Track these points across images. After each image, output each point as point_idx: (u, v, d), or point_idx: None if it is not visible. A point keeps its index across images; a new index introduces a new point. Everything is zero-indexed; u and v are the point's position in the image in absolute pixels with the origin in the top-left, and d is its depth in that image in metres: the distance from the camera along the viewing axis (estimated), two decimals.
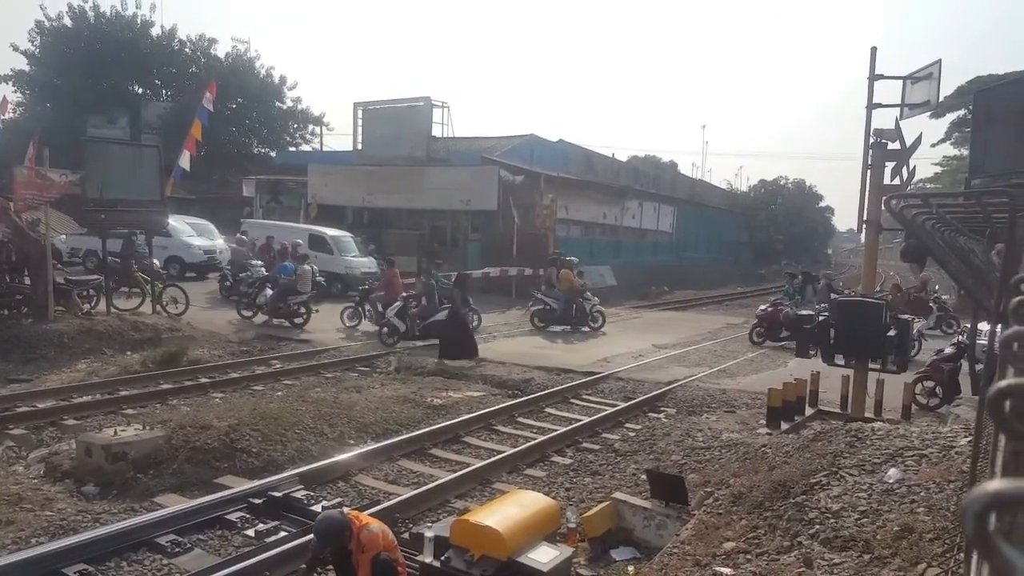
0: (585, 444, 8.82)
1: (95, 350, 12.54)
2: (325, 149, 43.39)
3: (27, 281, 13.58)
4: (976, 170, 6.06)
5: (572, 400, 11.06)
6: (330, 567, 4.74)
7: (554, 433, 8.97)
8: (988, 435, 3.11)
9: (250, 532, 5.93)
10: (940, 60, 9.06)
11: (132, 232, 17.37)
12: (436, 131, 28.55)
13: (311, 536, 4.33)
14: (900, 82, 9.51)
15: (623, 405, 10.54)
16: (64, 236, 21.03)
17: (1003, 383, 0.83)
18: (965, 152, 39.30)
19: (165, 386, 10.64)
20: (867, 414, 9.08)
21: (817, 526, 4.79)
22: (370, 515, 5.07)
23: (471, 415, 9.59)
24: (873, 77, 9.56)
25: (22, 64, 41.71)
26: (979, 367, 9.01)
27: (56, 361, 11.83)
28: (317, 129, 47.86)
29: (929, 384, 10.51)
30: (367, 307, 16.36)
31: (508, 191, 26.08)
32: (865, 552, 4.38)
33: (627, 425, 9.74)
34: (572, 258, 20.22)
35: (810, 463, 5.83)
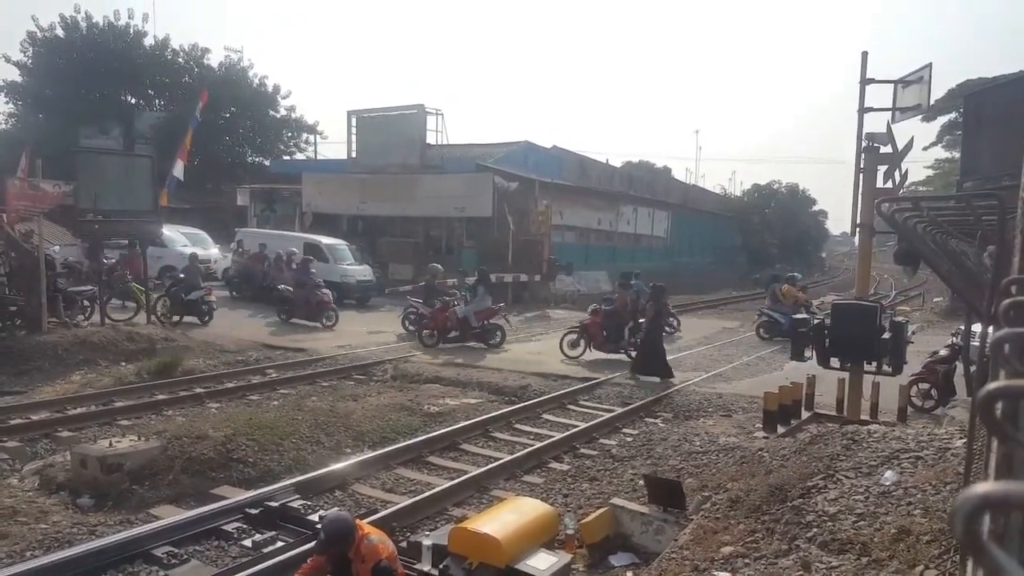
0: (583, 450, 8.82)
1: (89, 361, 12.49)
2: (319, 157, 43.40)
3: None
4: (968, 173, 6.10)
5: (569, 406, 11.06)
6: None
7: (551, 439, 8.96)
8: (982, 437, 3.13)
9: (247, 542, 5.91)
10: (931, 64, 9.13)
11: (131, 242, 17.38)
12: (430, 138, 28.63)
13: (318, 535, 4.28)
14: (892, 86, 9.58)
15: (620, 410, 10.54)
16: (58, 247, 20.99)
17: (993, 385, 0.84)
18: (957, 155, 39.52)
19: (160, 397, 10.61)
20: (863, 417, 9.10)
21: (815, 529, 4.80)
22: (368, 524, 5.06)
23: (468, 422, 9.57)
24: (864, 81, 9.63)
25: (14, 75, 41.69)
26: (973, 368, 9.09)
27: (50, 373, 11.77)
28: (311, 137, 47.90)
29: (924, 386, 10.53)
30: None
31: (503, 198, 26.12)
32: (863, 555, 4.38)
33: (624, 430, 9.74)
34: (795, 274, 19.87)
35: (807, 466, 5.84)
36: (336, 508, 6.27)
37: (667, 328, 17.80)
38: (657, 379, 12.40)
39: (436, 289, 17.15)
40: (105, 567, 5.31)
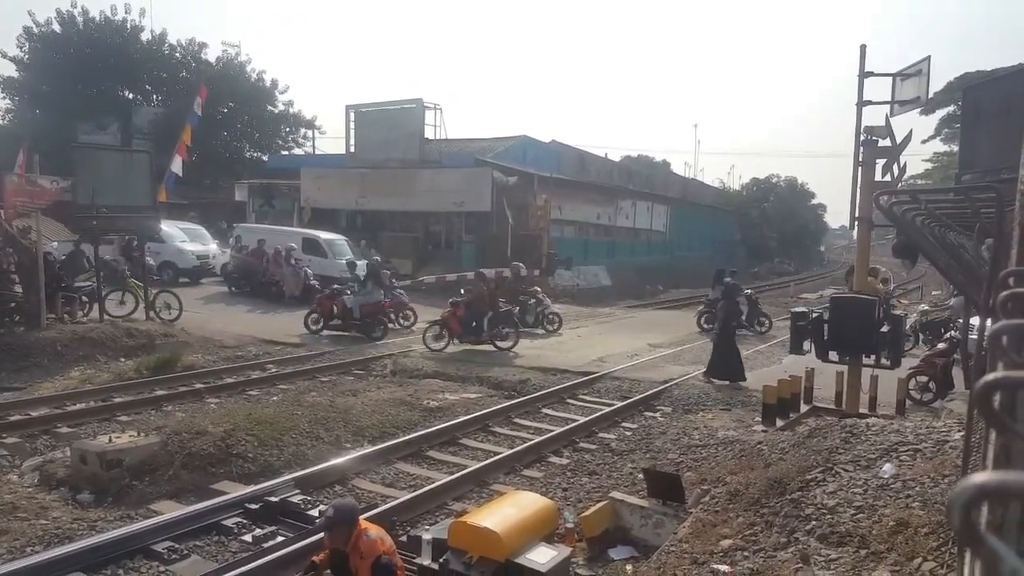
0: (582, 444, 8.84)
1: (88, 357, 12.49)
2: (317, 152, 43.38)
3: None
4: (966, 166, 6.10)
5: (568, 400, 11.07)
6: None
7: (551, 434, 8.97)
8: (980, 429, 3.13)
9: (247, 538, 5.92)
10: (929, 57, 9.12)
11: (128, 237, 17.39)
12: (429, 133, 28.62)
13: (326, 513, 4.30)
14: (890, 79, 9.56)
15: (619, 404, 10.55)
16: (56, 243, 20.97)
17: (990, 377, 0.84)
18: (955, 148, 39.49)
19: (159, 392, 10.61)
20: (862, 410, 9.12)
21: (813, 522, 4.81)
22: (367, 519, 5.07)
23: (468, 417, 9.58)
24: (863, 74, 9.61)
25: (11, 71, 41.55)
26: (971, 361, 9.10)
27: (49, 369, 11.78)
28: (309, 132, 47.82)
29: (923, 379, 10.55)
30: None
31: (502, 192, 26.11)
32: (861, 547, 4.39)
33: (623, 424, 9.76)
34: (878, 267, 19.82)
35: (806, 459, 5.85)
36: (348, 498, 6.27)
37: (757, 327, 17.94)
38: (727, 382, 11.72)
39: (377, 277, 16.83)
40: (105, 562, 5.32)
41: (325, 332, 15.72)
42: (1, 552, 5.44)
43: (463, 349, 14.37)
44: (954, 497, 0.60)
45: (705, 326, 17.78)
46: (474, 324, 14.28)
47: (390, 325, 16.15)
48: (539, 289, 18.63)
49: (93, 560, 5.26)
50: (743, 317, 17.48)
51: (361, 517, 4.58)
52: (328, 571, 4.37)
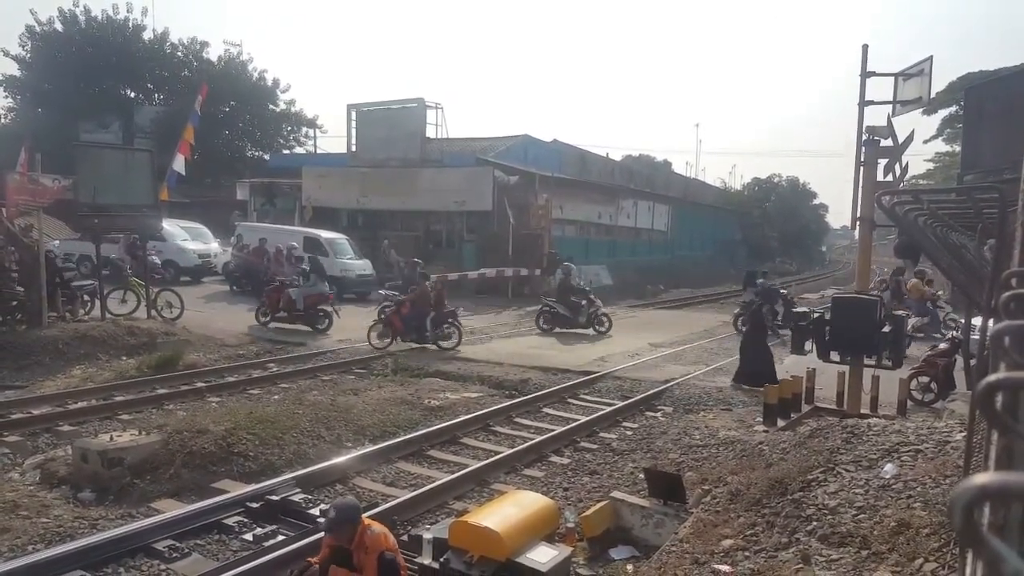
0: (583, 444, 8.83)
1: (90, 356, 12.50)
2: (319, 151, 43.33)
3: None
4: (968, 166, 6.09)
5: (569, 400, 11.07)
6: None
7: (552, 433, 8.97)
8: (982, 430, 3.13)
9: (248, 536, 5.92)
10: (931, 56, 9.10)
11: (132, 236, 17.42)
12: (430, 132, 28.59)
13: (328, 514, 4.30)
14: (892, 79, 9.55)
15: (620, 404, 10.55)
16: (57, 241, 21.00)
17: (993, 377, 0.84)
18: (957, 148, 39.39)
19: (161, 391, 10.61)
20: (863, 410, 9.11)
21: (815, 523, 4.81)
22: (368, 518, 5.07)
23: (469, 416, 9.58)
24: (865, 74, 9.60)
25: (13, 69, 41.59)
26: (973, 362, 9.08)
27: (51, 367, 11.78)
28: (311, 131, 47.82)
29: (924, 379, 10.54)
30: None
31: (503, 192, 26.10)
32: (863, 548, 4.39)
33: (624, 424, 9.76)
34: (925, 268, 19.80)
35: (807, 460, 5.85)
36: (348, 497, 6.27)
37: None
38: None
39: (415, 280, 17.08)
40: (107, 561, 5.33)
41: (272, 324, 15.94)
42: (3, 550, 5.45)
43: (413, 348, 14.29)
44: (956, 498, 0.60)
45: (742, 328, 17.67)
46: (416, 323, 14.40)
47: (337, 318, 16.41)
48: (589, 290, 18.74)
49: (94, 558, 5.27)
50: (779, 319, 17.45)
51: (365, 515, 4.59)
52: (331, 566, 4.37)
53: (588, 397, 11.28)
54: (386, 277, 20.69)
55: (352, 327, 17.05)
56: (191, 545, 5.74)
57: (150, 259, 17.25)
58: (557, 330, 17.62)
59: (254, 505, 6.34)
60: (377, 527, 4.40)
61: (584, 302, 17.82)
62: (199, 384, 11.09)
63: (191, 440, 7.47)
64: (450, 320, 14.61)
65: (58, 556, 5.13)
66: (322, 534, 4.45)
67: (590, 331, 17.57)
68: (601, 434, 9.25)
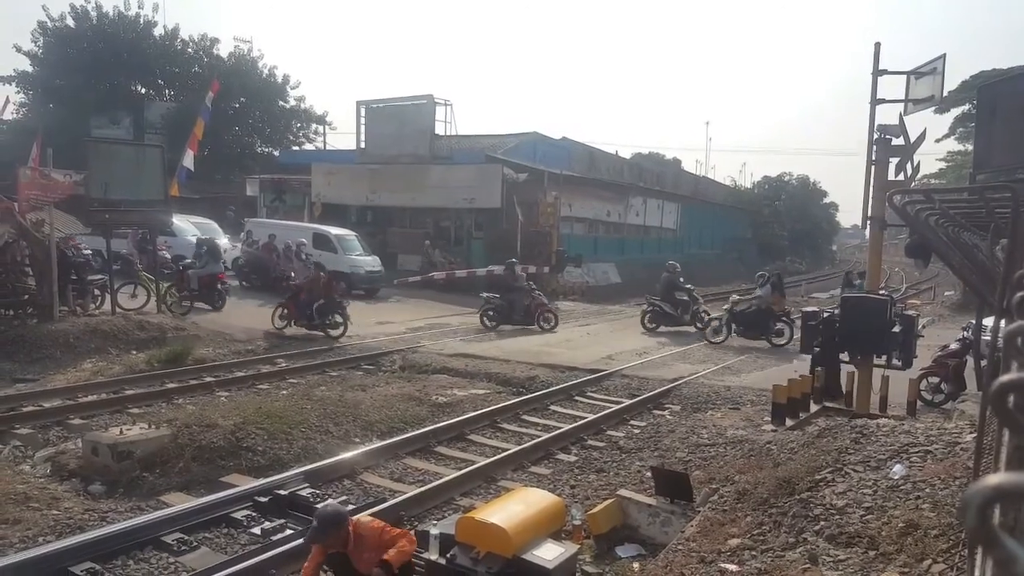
0: (590, 441, 8.83)
1: (100, 350, 12.58)
2: (328, 148, 43.43)
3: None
4: (980, 165, 6.04)
5: (577, 398, 11.07)
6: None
7: (559, 431, 8.97)
8: (992, 431, 3.11)
9: (256, 530, 5.95)
10: (944, 55, 9.04)
11: (142, 231, 17.56)
12: (439, 129, 28.58)
13: (311, 525, 4.28)
14: (904, 77, 9.49)
15: (628, 402, 10.54)
16: (82, 238, 21.11)
17: (1006, 378, 0.83)
18: (969, 147, 39.07)
19: (170, 385, 10.68)
20: (872, 410, 9.07)
21: (822, 522, 4.79)
22: (372, 514, 5.10)
23: (476, 413, 9.60)
24: (877, 72, 9.54)
25: (25, 65, 41.80)
26: (984, 362, 9.02)
27: (62, 361, 11.87)
28: (320, 128, 47.94)
29: (934, 380, 10.49)
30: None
31: (512, 189, 26.08)
32: (870, 548, 4.37)
33: (632, 422, 9.75)
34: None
35: (815, 460, 5.82)
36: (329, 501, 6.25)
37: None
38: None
39: (511, 282, 17.62)
40: (116, 553, 5.37)
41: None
42: (14, 541, 5.49)
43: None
44: (970, 497, 0.60)
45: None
46: (308, 311, 15.05)
47: (229, 297, 17.29)
48: (693, 288, 18.92)
49: (104, 550, 5.31)
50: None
51: (365, 513, 4.60)
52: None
53: (595, 395, 11.27)
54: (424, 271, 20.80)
55: (360, 324, 17.11)
56: (200, 538, 5.78)
57: (160, 254, 17.34)
58: (662, 328, 17.84)
59: (262, 499, 6.37)
60: (367, 522, 4.37)
61: (688, 299, 17.97)
62: (208, 379, 11.15)
63: (200, 434, 7.52)
64: (337, 311, 15.10)
65: (68, 548, 5.18)
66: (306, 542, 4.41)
67: (692, 328, 17.78)
68: (608, 432, 9.25)
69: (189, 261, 17.51)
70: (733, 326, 16.06)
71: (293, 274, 18.81)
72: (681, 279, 18.53)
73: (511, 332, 17.20)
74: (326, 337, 14.90)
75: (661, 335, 17.34)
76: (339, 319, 15.08)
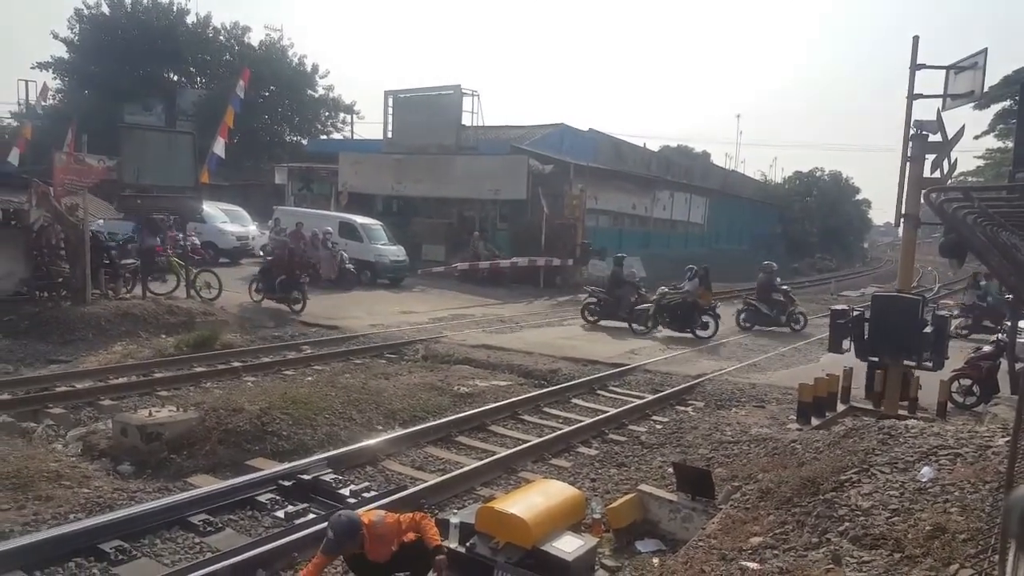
0: (611, 435, 8.80)
1: (131, 333, 12.80)
2: (356, 137, 43.69)
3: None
4: (1021, 163, 5.90)
5: (599, 391, 11.04)
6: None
7: (580, 424, 8.96)
8: None
9: (280, 514, 6.03)
10: (986, 49, 8.81)
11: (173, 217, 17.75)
12: (466, 119, 28.56)
13: (326, 535, 4.20)
14: (943, 72, 9.27)
15: (650, 397, 10.48)
16: (101, 221, 21.48)
17: None
18: (1010, 144, 38.18)
19: (198, 369, 10.83)
20: (900, 411, 8.93)
21: (847, 523, 4.73)
22: (392, 502, 5.10)
23: (498, 404, 9.61)
24: (915, 67, 9.34)
25: (62, 52, 42.52)
26: (1019, 365, 8.82)
27: (93, 343, 12.10)
28: (348, 117, 48.24)
29: (966, 382, 10.30)
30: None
31: (537, 180, 26.01)
32: (896, 551, 4.31)
33: (654, 418, 9.70)
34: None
35: (841, 460, 5.75)
36: (342, 510, 6.26)
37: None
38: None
39: (621, 278, 17.50)
40: (144, 532, 5.46)
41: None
42: (47, 517, 5.62)
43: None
44: (1012, 503, 0.58)
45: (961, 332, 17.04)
46: (274, 284, 16.24)
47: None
48: (789, 289, 18.85)
49: (132, 529, 5.40)
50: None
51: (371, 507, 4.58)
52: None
53: (618, 389, 11.23)
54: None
55: (384, 313, 17.23)
56: (224, 520, 5.86)
57: (190, 240, 17.56)
58: (756, 328, 17.71)
59: (286, 483, 6.44)
60: (380, 518, 4.34)
61: (784, 300, 17.95)
62: (235, 363, 11.29)
63: (227, 418, 7.61)
64: (297, 288, 16.22)
65: (98, 525, 5.28)
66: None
67: (786, 329, 17.68)
68: (630, 427, 9.21)
69: (128, 236, 17.39)
70: (660, 318, 16.19)
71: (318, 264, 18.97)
72: (777, 279, 18.41)
73: (536, 324, 17.19)
74: (290, 311, 16.01)
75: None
76: (298, 295, 16.14)
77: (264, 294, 16.61)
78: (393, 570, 4.38)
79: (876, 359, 9.25)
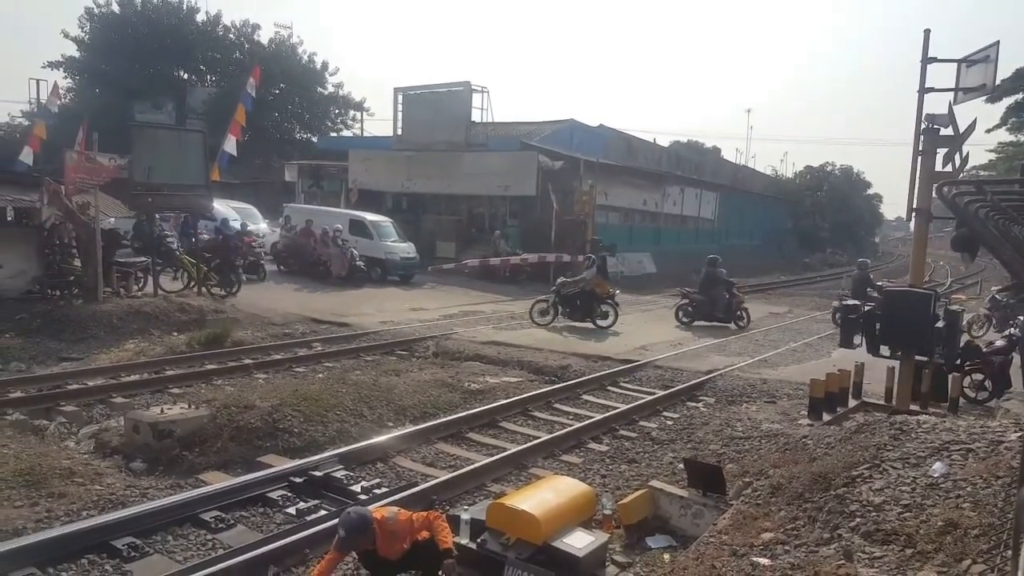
0: (622, 432, 8.79)
1: (142, 331, 12.88)
2: (365, 134, 43.74)
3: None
4: None
5: (609, 388, 11.02)
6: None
7: (591, 420, 8.95)
8: None
9: (291, 510, 6.05)
10: (998, 42, 8.72)
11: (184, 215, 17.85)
12: (475, 116, 28.53)
13: (337, 533, 4.18)
14: (955, 65, 9.19)
15: (661, 393, 10.46)
16: (113, 219, 21.61)
17: None
18: (1022, 138, 37.86)
19: (210, 366, 10.89)
20: (912, 407, 8.88)
21: (858, 519, 4.71)
22: (403, 497, 5.11)
23: (508, 400, 9.61)
24: (926, 60, 9.25)
25: (72, 50, 42.74)
26: None
27: (105, 341, 12.18)
28: (358, 114, 48.31)
29: (978, 377, 10.22)
30: None
31: (547, 177, 25.97)
32: (907, 546, 4.28)
33: (665, 414, 9.68)
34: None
35: (852, 455, 5.72)
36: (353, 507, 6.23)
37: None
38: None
39: (716, 278, 17.48)
40: (156, 529, 5.50)
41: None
42: (59, 514, 5.66)
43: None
44: None
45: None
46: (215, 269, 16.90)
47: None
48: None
49: (145, 526, 5.44)
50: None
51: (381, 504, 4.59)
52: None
53: (628, 385, 11.22)
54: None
55: (394, 310, 17.27)
56: (236, 516, 5.89)
57: (201, 238, 17.64)
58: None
59: (298, 480, 6.48)
60: (393, 515, 4.34)
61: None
62: (246, 361, 11.35)
63: (238, 415, 7.65)
64: (233, 275, 16.94)
65: (111, 522, 5.32)
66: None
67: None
68: (641, 423, 9.19)
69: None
70: (560, 308, 16.20)
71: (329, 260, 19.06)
72: (871, 275, 18.20)
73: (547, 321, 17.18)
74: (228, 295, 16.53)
75: (696, 327, 17.14)
76: (233, 279, 16.86)
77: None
78: (405, 568, 4.40)
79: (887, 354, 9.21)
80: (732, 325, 17.13)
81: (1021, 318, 11.82)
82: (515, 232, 27.38)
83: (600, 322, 16.09)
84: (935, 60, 9.30)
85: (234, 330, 13.07)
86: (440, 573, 4.31)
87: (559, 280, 16.90)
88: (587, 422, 8.84)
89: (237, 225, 20.48)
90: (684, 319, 17.42)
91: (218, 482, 6.39)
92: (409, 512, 4.48)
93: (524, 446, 7.86)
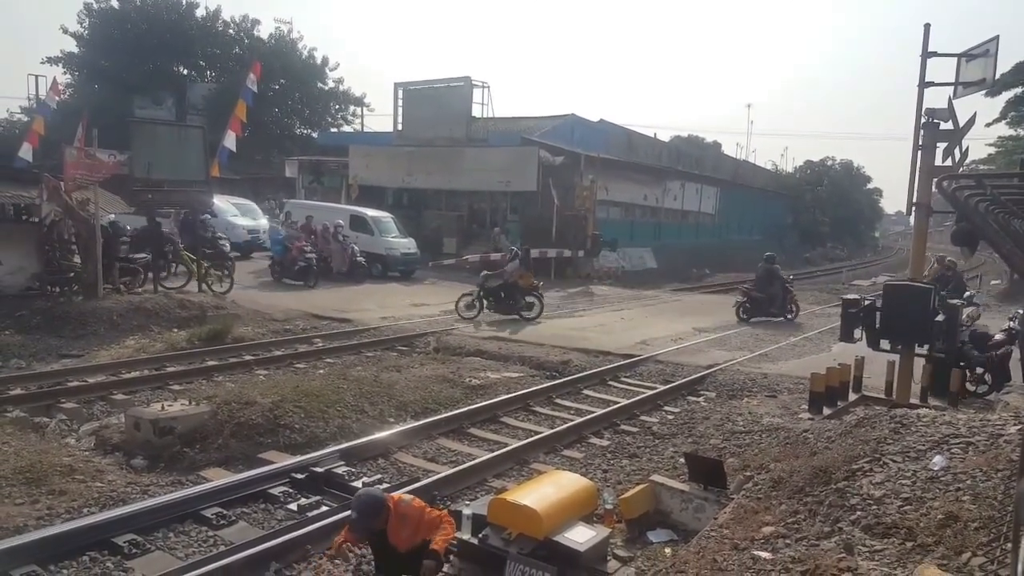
0: (623, 426, 8.80)
1: (143, 327, 12.88)
2: (366, 130, 43.70)
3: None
4: None
5: (610, 382, 11.03)
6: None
7: (592, 415, 8.96)
8: None
9: (292, 506, 6.06)
10: (997, 36, 8.71)
11: (185, 211, 17.83)
12: (476, 111, 28.54)
13: (351, 514, 4.27)
14: (954, 60, 9.17)
15: (662, 388, 10.47)
16: (113, 215, 21.60)
17: None
18: (1022, 132, 37.78)
19: (210, 363, 10.89)
20: (912, 400, 8.88)
21: (859, 512, 4.71)
22: (406, 492, 5.13)
23: (509, 395, 9.62)
24: (926, 55, 9.24)
25: (71, 46, 42.66)
26: None
27: (105, 337, 12.18)
28: (358, 110, 48.25)
29: (978, 371, 10.21)
30: None
31: (548, 172, 25.96)
32: (908, 539, 4.29)
33: (666, 408, 9.69)
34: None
35: (852, 449, 5.72)
36: (368, 485, 6.29)
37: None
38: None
39: (774, 275, 17.47)
40: (157, 525, 5.50)
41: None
42: (60, 512, 5.67)
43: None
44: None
45: None
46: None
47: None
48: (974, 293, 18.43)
49: (145, 523, 5.45)
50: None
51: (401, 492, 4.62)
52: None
53: (629, 380, 11.22)
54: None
55: (395, 306, 17.28)
56: (238, 513, 5.90)
57: (203, 235, 17.63)
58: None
59: (299, 476, 6.48)
60: (408, 500, 4.36)
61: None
62: (247, 357, 11.35)
63: (239, 411, 7.65)
64: (169, 264, 16.92)
65: (112, 519, 5.33)
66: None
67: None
68: (642, 417, 9.20)
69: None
70: (485, 301, 16.23)
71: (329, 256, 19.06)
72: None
73: (547, 315, 17.17)
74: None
75: (688, 319, 17.15)
76: (164, 272, 16.61)
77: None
78: (410, 564, 4.41)
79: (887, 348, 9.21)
80: (781, 318, 17.24)
81: (1020, 311, 11.80)
82: (516, 227, 27.37)
83: (525, 314, 16.10)
84: (935, 55, 9.29)
85: (235, 326, 13.06)
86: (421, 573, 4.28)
87: (482, 273, 16.90)
88: (588, 417, 8.85)
89: (237, 221, 20.55)
90: (743, 316, 17.41)
91: (219, 479, 6.40)
92: (423, 504, 4.48)
93: (525, 441, 7.87)
